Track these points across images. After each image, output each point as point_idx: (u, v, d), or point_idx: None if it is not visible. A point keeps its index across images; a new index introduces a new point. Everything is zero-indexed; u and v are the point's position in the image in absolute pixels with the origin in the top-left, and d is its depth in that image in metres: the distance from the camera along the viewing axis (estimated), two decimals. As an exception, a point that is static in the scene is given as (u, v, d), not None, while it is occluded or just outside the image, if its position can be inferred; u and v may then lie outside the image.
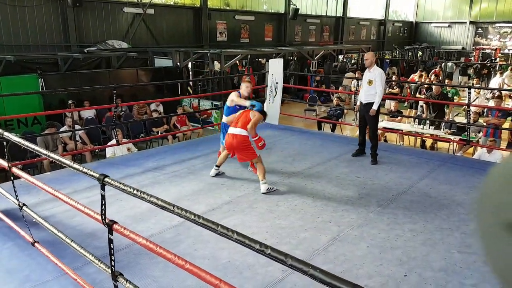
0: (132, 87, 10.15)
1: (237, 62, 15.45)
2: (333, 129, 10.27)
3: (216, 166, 4.96)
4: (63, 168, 6.82)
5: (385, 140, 9.15)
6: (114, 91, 5.69)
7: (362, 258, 3.09)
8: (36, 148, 2.50)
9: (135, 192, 1.84)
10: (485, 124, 7.80)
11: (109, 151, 6.89)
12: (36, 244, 2.98)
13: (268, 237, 3.44)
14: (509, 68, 15.73)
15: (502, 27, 26.34)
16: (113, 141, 6.52)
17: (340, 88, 15.31)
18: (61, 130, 7.36)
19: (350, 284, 1.06)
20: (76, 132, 7.47)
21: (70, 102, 8.31)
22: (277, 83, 7.25)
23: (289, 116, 9.57)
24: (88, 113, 9.16)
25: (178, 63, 13.17)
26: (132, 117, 9.66)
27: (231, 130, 4.53)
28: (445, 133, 8.36)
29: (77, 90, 8.51)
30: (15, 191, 3.11)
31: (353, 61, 22.05)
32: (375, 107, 5.32)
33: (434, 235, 3.46)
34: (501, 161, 0.54)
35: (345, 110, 10.94)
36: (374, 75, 5.32)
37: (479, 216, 0.54)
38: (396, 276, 2.86)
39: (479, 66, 19.29)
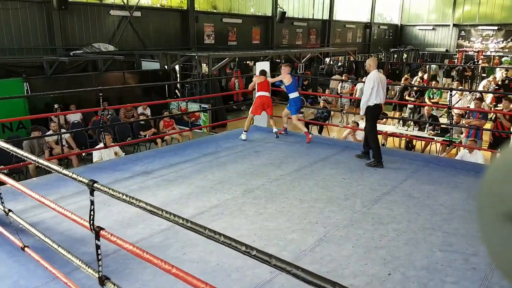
0: (119, 90, 10.11)
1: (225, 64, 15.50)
2: (320, 131, 10.40)
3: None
4: (49, 173, 6.77)
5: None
6: (100, 93, 5.67)
7: (348, 258, 3.17)
8: (25, 154, 2.51)
9: (124, 197, 1.88)
10: (467, 125, 7.99)
11: (96, 155, 6.86)
12: (26, 249, 2.98)
13: (257, 239, 3.50)
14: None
15: (484, 29, 26.95)
16: (101, 145, 6.50)
17: (327, 90, 15.48)
18: (47, 134, 7.31)
19: (331, 282, 1.12)
20: (62, 136, 7.42)
21: (56, 106, 8.25)
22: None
23: (278, 117, 9.64)
24: (74, 117, 9.11)
25: (166, 66, 13.16)
26: (119, 121, 9.63)
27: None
28: (428, 134, 8.55)
29: (63, 94, 8.45)
30: (1, 197, 3.10)
31: (339, 64, 22.29)
32: (361, 112, 5.57)
33: (417, 234, 3.56)
34: (500, 154, 0.54)
35: (332, 112, 11.08)
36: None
37: (480, 207, 0.55)
38: (381, 275, 2.95)
39: (460, 68, 19.69)
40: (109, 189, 2.00)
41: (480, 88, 14.32)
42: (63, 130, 7.66)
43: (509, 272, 0.50)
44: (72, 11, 12.90)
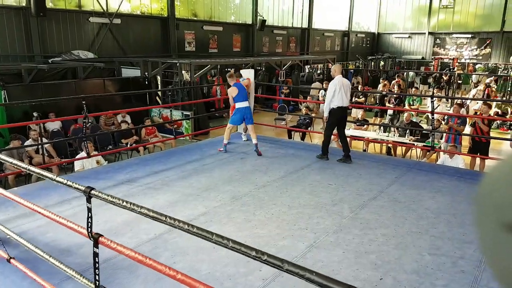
0: (99, 97, 9.93)
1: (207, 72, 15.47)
2: (302, 138, 10.47)
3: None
4: (29, 183, 6.57)
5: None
6: (84, 101, 5.56)
7: (339, 264, 3.19)
8: (15, 162, 2.43)
9: (124, 204, 1.84)
10: (446, 131, 8.20)
11: (77, 164, 6.70)
12: (12, 261, 2.87)
13: (247, 246, 3.47)
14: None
15: (459, 37, 27.88)
16: (83, 154, 6.36)
17: (308, 97, 15.64)
18: (26, 143, 7.09)
19: (347, 286, 1.12)
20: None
21: (35, 114, 8.03)
22: (248, 93, 7.33)
23: (260, 125, 9.67)
24: (54, 125, 8.89)
25: (146, 73, 13.03)
26: (100, 129, 9.44)
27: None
28: (409, 140, 8.73)
29: (42, 102, 8.24)
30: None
31: (319, 71, 22.58)
32: (325, 114, 6.00)
33: (405, 238, 3.61)
34: (499, 161, 0.53)
35: (313, 119, 11.18)
36: None
37: (478, 217, 0.53)
38: (373, 280, 2.97)
39: (437, 75, 20.26)
40: (107, 195, 1.95)
41: (471, 96, 14.62)
42: (44, 140, 7.44)
43: (509, 284, 0.49)
44: (50, 18, 12.64)
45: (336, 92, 5.68)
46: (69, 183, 2.11)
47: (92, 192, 1.99)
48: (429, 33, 28.89)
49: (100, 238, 1.99)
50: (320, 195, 4.70)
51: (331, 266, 3.15)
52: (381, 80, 17.15)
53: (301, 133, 10.54)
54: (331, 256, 3.31)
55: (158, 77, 13.37)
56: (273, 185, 5.03)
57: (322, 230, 3.77)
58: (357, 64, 27.64)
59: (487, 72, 23.38)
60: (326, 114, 5.96)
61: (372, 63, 26.72)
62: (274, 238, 3.63)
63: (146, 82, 12.63)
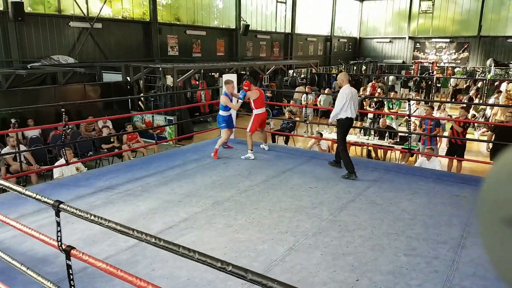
0: (79, 103, 9.81)
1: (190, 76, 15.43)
2: (286, 141, 10.55)
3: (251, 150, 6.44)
4: (5, 191, 6.43)
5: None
6: (63, 109, 5.49)
7: (317, 266, 3.23)
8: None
9: (92, 217, 1.83)
10: (422, 133, 8.38)
11: (57, 171, 6.61)
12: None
13: (227, 251, 3.49)
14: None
15: (438, 42, 28.54)
16: (62, 161, 6.27)
17: (291, 101, 15.74)
18: (3, 150, 6.96)
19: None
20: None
21: (13, 121, 7.88)
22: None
23: (244, 129, 9.69)
24: (33, 131, 8.74)
25: (128, 78, 12.93)
26: (80, 135, 9.33)
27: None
28: (388, 143, 8.89)
29: (19, 110, 8.07)
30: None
31: (302, 76, 22.78)
32: (330, 119, 5.80)
33: (382, 240, 3.69)
34: (500, 159, 0.54)
35: (297, 123, 11.28)
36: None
37: (480, 212, 0.54)
38: (349, 281, 3.02)
39: (418, 79, 20.67)
40: (76, 209, 1.94)
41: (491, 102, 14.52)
42: (22, 147, 7.31)
43: (510, 278, 0.50)
44: (29, 23, 12.45)
45: (346, 104, 5.42)
46: (38, 196, 2.09)
47: (61, 206, 1.97)
48: (409, 37, 29.52)
49: (72, 251, 1.98)
50: (301, 199, 4.75)
51: (309, 269, 3.19)
52: (367, 85, 17.36)
53: (284, 137, 10.62)
54: (310, 258, 3.35)
55: (141, 82, 13.28)
56: (255, 190, 5.06)
57: (301, 233, 3.82)
58: (340, 68, 27.98)
59: (465, 76, 23.98)
60: (331, 121, 5.83)
61: (355, 67, 27.11)
62: (254, 242, 3.66)
63: (128, 87, 12.53)
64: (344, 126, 5.60)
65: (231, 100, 6.82)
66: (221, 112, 6.78)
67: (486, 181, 0.54)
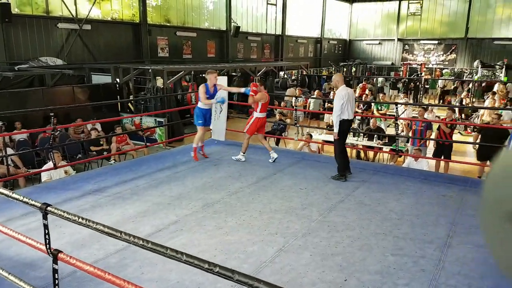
0: (68, 107, 9.74)
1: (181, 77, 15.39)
2: (277, 143, 10.59)
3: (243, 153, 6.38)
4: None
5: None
6: (51, 113, 5.43)
7: (306, 267, 3.26)
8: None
9: (80, 220, 1.83)
10: (410, 135, 8.50)
11: (45, 175, 6.54)
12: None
13: (217, 253, 3.50)
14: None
15: (426, 43, 28.89)
16: (50, 164, 6.21)
17: (282, 103, 15.82)
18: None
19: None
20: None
21: (0, 123, 7.79)
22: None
23: (235, 132, 9.70)
24: (20, 134, 8.64)
25: (118, 80, 12.85)
26: (69, 137, 9.24)
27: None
28: (377, 144, 8.98)
29: (7, 114, 7.95)
30: None
31: (293, 77, 22.88)
32: (335, 129, 5.42)
33: (370, 240, 3.73)
34: (500, 156, 0.56)
35: (287, 125, 11.33)
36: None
37: (482, 209, 0.57)
38: (337, 281, 3.05)
39: (406, 80, 20.91)
40: (63, 212, 1.94)
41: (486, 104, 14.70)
42: (10, 150, 7.22)
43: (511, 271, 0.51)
44: (16, 24, 12.30)
45: (344, 105, 5.25)
46: (25, 199, 2.08)
47: (48, 208, 1.97)
48: (398, 39, 29.83)
49: (59, 255, 1.98)
50: (291, 200, 4.78)
51: (298, 269, 3.21)
52: (357, 86, 17.52)
53: (275, 139, 10.66)
54: (299, 259, 3.38)
55: (130, 84, 13.21)
56: (245, 191, 5.08)
57: (291, 234, 3.85)
58: (330, 70, 28.17)
59: (453, 77, 24.31)
60: (336, 130, 5.39)
61: (344, 69, 27.31)
62: (244, 244, 3.67)
63: (118, 89, 12.46)
64: (342, 128, 5.40)
65: (207, 93, 6.24)
66: (199, 104, 6.30)
67: (487, 181, 0.57)
